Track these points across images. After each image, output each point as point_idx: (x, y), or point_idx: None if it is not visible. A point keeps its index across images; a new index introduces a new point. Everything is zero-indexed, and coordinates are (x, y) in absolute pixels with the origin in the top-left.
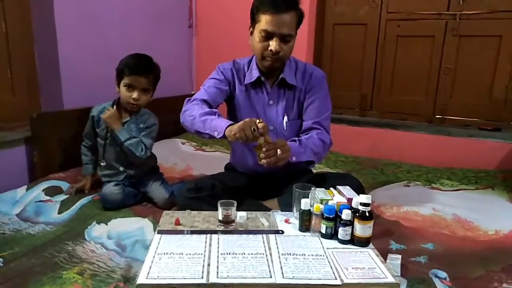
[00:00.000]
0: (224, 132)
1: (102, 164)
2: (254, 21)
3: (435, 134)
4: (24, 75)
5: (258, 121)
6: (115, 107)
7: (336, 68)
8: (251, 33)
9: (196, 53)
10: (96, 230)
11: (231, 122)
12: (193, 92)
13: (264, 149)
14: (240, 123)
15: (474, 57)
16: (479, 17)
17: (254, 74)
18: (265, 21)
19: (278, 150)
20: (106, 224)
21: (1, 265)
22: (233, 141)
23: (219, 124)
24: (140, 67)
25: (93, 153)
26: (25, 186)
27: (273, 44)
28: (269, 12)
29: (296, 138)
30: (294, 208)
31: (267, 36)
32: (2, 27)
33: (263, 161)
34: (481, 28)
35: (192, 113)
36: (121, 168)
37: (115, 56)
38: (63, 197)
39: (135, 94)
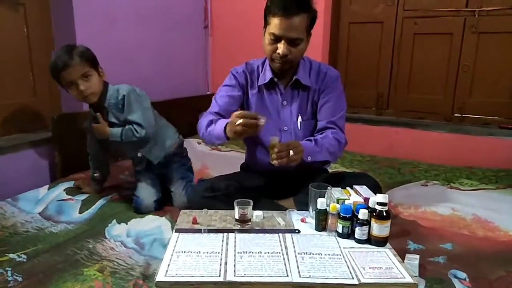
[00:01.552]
0: (226, 135)
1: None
2: (266, 22)
3: (453, 132)
4: (45, 77)
5: (236, 113)
6: (98, 116)
7: (352, 67)
8: (264, 34)
9: (211, 53)
10: (116, 229)
11: (225, 124)
12: (208, 93)
13: (276, 149)
14: (227, 126)
15: (494, 54)
16: (498, 13)
17: (267, 75)
18: (274, 24)
19: (291, 151)
20: (126, 223)
21: (25, 261)
22: (236, 139)
23: (218, 131)
24: (61, 61)
25: (97, 167)
26: (47, 186)
27: (280, 47)
28: (278, 15)
29: (312, 138)
30: (310, 208)
31: (276, 39)
32: (23, 31)
33: (275, 161)
34: (501, 25)
35: (201, 129)
36: (139, 154)
37: (133, 58)
38: (84, 196)
39: (81, 86)
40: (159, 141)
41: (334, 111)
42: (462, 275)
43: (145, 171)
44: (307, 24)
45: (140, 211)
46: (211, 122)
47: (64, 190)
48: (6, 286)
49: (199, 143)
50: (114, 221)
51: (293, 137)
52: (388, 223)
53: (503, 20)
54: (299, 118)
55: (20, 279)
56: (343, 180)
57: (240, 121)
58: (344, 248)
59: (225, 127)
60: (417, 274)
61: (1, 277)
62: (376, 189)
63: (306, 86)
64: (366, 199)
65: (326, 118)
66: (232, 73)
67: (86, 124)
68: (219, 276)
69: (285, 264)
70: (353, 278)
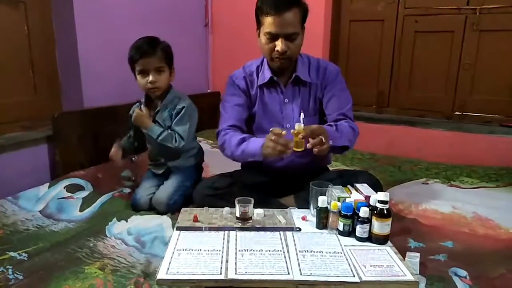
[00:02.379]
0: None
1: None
2: (259, 23)
3: (454, 130)
4: (45, 75)
5: (272, 131)
6: (142, 105)
7: (353, 65)
8: (259, 35)
9: (212, 51)
10: (117, 227)
11: (260, 143)
12: (209, 91)
13: (300, 135)
14: (264, 145)
15: (495, 52)
16: (500, 11)
17: (267, 74)
18: (268, 23)
19: (322, 137)
20: (126, 221)
21: (26, 259)
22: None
23: (252, 150)
24: (144, 49)
25: (134, 140)
26: (48, 184)
27: (279, 45)
28: (271, 13)
29: (332, 123)
30: (311, 205)
31: (272, 37)
32: (24, 28)
33: (314, 149)
34: (502, 23)
35: (230, 149)
36: (162, 160)
37: None
38: (84, 194)
39: (150, 77)
40: (186, 154)
41: (341, 104)
42: (463, 273)
43: (158, 175)
44: (300, 18)
45: (135, 208)
46: (242, 140)
47: (64, 187)
48: (7, 284)
49: (199, 142)
50: (115, 219)
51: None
52: (389, 221)
53: (504, 18)
54: (302, 115)
55: (21, 277)
56: (344, 178)
57: (271, 141)
58: (345, 246)
59: (260, 148)
60: (418, 272)
61: (2, 276)
62: (377, 187)
63: (306, 83)
64: (367, 197)
65: (335, 111)
66: (231, 79)
67: (134, 107)
68: (220, 274)
69: (286, 262)
70: (354, 276)
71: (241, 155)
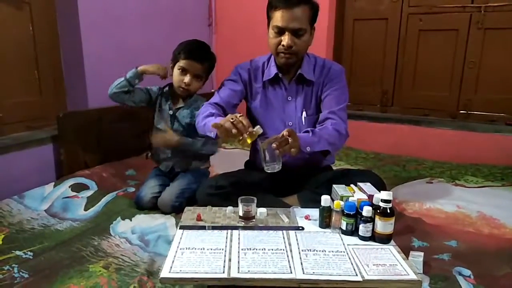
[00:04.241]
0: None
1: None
2: (269, 18)
3: (459, 129)
4: (50, 76)
5: (239, 114)
6: (167, 127)
7: (357, 64)
8: (268, 31)
9: (216, 51)
10: (121, 226)
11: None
12: (213, 91)
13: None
14: (219, 123)
15: (500, 50)
16: (505, 9)
17: (272, 71)
18: (276, 17)
19: (289, 138)
20: (130, 220)
21: (31, 258)
22: (221, 136)
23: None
24: (196, 53)
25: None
26: (53, 183)
27: (284, 39)
28: (280, 7)
29: (309, 129)
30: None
31: (279, 31)
32: (29, 29)
33: (277, 151)
34: (507, 21)
35: (198, 118)
36: (169, 155)
37: (137, 56)
38: (89, 193)
39: (187, 79)
40: (199, 158)
41: (336, 102)
42: (467, 272)
43: (164, 175)
44: (309, 15)
45: (139, 206)
46: (211, 114)
47: (69, 187)
48: (13, 283)
49: None
50: (119, 218)
51: (298, 132)
52: (392, 220)
53: (509, 16)
54: (304, 113)
55: (26, 275)
56: (347, 177)
57: (232, 119)
58: (348, 245)
59: None
60: (421, 271)
61: (7, 274)
62: (380, 186)
63: (310, 81)
64: (370, 196)
65: (327, 109)
66: (236, 68)
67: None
68: (223, 272)
69: (288, 261)
70: (356, 275)
71: (202, 127)
